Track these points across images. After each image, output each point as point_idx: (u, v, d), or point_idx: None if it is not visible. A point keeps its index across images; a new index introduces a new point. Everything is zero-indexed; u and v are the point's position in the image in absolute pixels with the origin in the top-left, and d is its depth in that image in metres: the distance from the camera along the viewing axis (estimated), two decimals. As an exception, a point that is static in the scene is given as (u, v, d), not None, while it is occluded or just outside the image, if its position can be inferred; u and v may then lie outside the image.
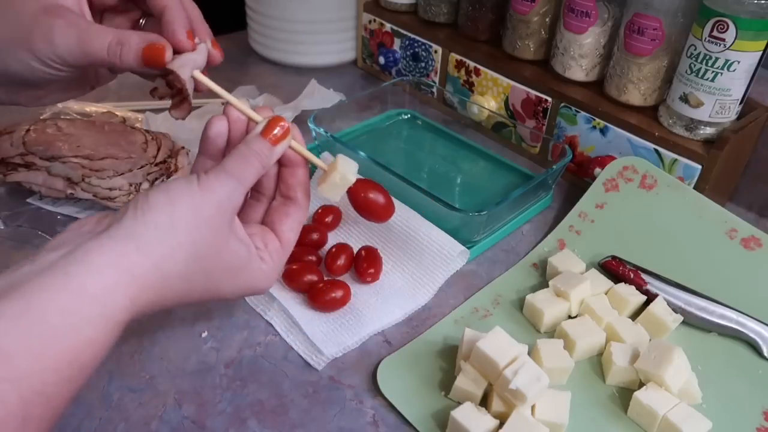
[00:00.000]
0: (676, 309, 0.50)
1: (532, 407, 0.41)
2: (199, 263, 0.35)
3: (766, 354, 0.48)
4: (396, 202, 0.56)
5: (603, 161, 0.64)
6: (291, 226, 0.41)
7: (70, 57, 0.37)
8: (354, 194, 0.43)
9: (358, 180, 0.43)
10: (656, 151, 0.60)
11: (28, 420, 0.27)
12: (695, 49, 0.55)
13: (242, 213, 0.42)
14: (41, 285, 0.29)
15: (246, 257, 0.38)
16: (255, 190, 0.43)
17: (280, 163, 0.41)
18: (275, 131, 0.38)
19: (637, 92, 0.62)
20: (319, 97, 0.74)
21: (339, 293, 0.50)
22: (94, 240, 0.31)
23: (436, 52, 0.79)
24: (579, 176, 0.68)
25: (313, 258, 0.54)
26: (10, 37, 0.37)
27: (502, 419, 0.40)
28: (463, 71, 0.76)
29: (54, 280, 0.29)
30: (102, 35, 0.37)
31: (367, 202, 0.43)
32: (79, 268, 0.30)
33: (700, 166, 0.58)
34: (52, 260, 0.30)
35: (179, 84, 0.38)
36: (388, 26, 0.84)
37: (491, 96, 0.74)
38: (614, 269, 0.54)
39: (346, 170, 0.42)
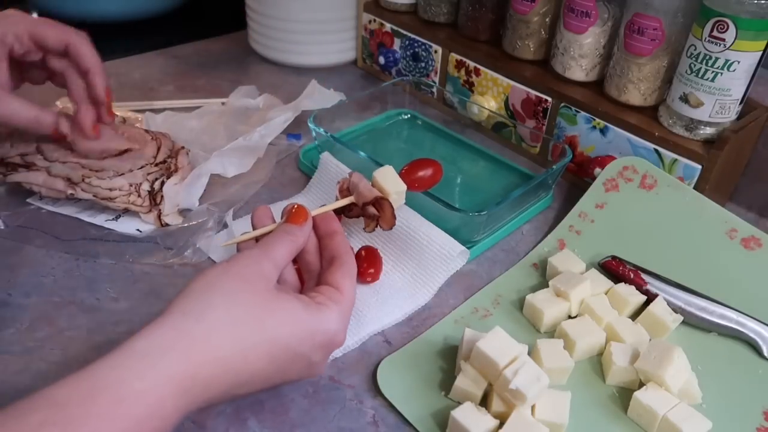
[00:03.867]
0: (676, 309, 0.50)
1: (532, 407, 0.41)
2: (247, 333, 0.35)
3: (766, 354, 0.48)
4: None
5: (603, 161, 0.64)
6: (342, 274, 0.41)
7: None
8: (411, 187, 0.51)
9: (402, 177, 0.49)
10: (656, 151, 0.60)
11: None
12: (695, 49, 0.55)
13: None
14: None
15: (301, 306, 0.38)
16: (304, 270, 0.45)
17: (318, 235, 0.44)
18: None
19: (637, 92, 0.62)
20: (319, 97, 0.73)
21: (339, 293, 0.50)
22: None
23: (436, 52, 0.79)
24: (579, 176, 0.68)
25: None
26: None
27: (502, 419, 0.40)
28: (463, 71, 0.76)
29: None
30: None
31: (423, 182, 0.51)
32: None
33: (700, 166, 0.58)
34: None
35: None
36: (388, 26, 0.84)
37: (491, 96, 0.74)
38: (614, 269, 0.54)
39: (392, 186, 0.49)
